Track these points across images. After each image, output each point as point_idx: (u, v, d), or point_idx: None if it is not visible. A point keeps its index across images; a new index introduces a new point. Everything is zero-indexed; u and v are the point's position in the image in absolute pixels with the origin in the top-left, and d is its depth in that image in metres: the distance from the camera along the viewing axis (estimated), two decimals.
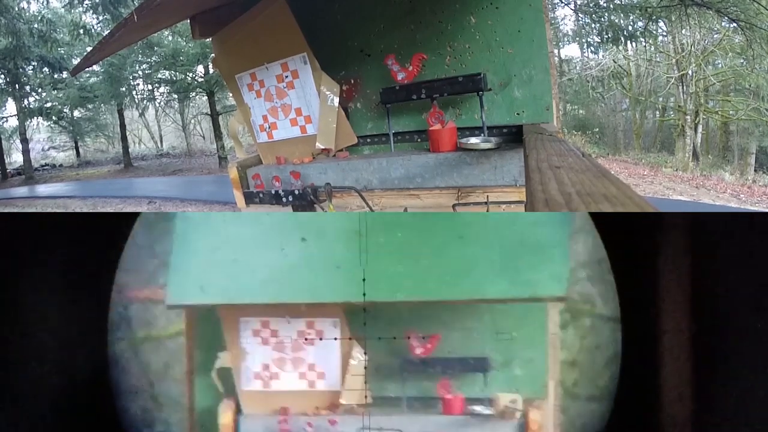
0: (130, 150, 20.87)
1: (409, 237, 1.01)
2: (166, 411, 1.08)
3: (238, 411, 1.09)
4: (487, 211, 2.16)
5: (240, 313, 1.08)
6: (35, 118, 18.94)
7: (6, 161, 19.72)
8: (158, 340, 1.09)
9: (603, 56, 15.39)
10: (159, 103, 21.38)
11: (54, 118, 19.07)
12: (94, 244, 1.03)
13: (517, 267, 1.00)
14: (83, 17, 15.05)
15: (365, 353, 1.08)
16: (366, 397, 1.08)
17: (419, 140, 2.68)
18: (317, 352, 1.10)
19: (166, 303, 1.05)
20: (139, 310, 1.07)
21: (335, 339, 1.09)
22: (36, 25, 15.20)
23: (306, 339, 1.09)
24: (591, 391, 1.04)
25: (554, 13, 13.50)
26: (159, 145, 25.00)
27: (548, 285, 1.01)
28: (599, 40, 12.51)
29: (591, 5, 11.90)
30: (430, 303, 1.03)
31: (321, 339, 1.09)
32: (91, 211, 10.13)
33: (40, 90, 18.20)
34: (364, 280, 1.01)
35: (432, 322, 1.08)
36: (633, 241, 0.99)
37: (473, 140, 2.28)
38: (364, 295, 1.02)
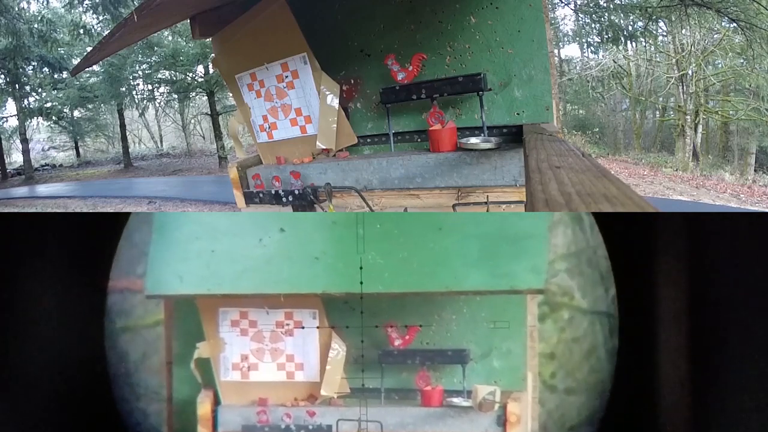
0: (130, 150, 20.87)
1: (387, 229, 1.01)
2: (144, 401, 1.08)
3: (216, 402, 1.08)
4: (487, 211, 2.16)
5: (219, 304, 1.08)
6: (35, 118, 18.95)
7: (6, 161, 19.72)
8: (136, 330, 1.08)
9: (603, 56, 15.39)
10: (159, 103, 21.39)
11: (54, 118, 19.07)
12: (92, 242, 1.03)
13: (495, 259, 1.00)
14: (83, 17, 15.04)
15: (344, 344, 1.08)
16: (345, 388, 1.08)
17: (419, 140, 2.68)
18: (296, 342, 1.09)
19: (145, 293, 1.05)
20: (117, 300, 1.07)
21: (314, 330, 1.08)
22: (36, 25, 15.18)
23: (284, 330, 1.09)
24: (569, 384, 1.04)
25: (554, 13, 13.50)
26: (159, 145, 25.00)
27: (526, 277, 1.00)
28: (599, 40, 12.49)
29: (591, 5, 11.89)
30: (408, 294, 1.03)
31: (299, 330, 1.09)
32: (91, 210, 10.14)
33: (40, 90, 18.20)
34: (342, 272, 1.01)
35: (411, 313, 1.07)
36: (633, 241, 0.99)
37: (473, 140, 2.28)
38: (342, 286, 1.02)
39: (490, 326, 1.06)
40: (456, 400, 1.07)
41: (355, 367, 1.07)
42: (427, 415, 1.05)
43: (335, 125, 2.78)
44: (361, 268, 1.00)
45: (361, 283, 1.00)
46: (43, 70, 17.44)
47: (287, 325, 1.09)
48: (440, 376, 1.08)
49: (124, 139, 20.04)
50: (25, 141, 18.12)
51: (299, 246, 1.01)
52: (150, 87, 19.25)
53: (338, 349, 1.08)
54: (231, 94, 3.34)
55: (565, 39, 15.27)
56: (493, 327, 1.05)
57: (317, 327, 1.08)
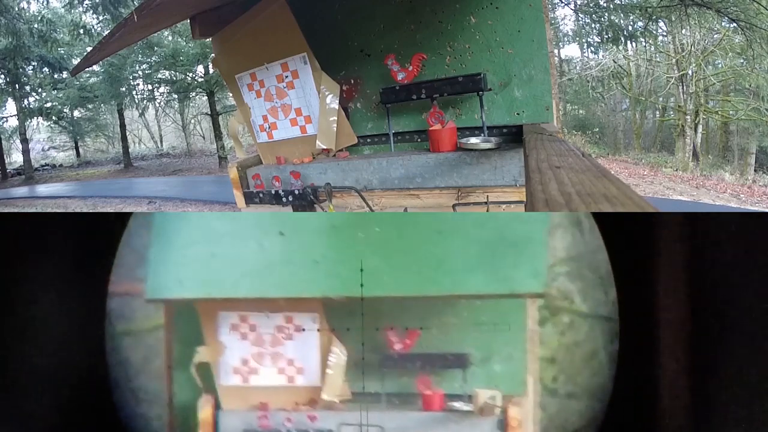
0: (130, 150, 20.87)
1: (387, 233, 1.01)
2: (144, 406, 1.08)
3: (217, 406, 1.08)
4: (487, 211, 2.16)
5: (219, 308, 1.08)
6: (35, 118, 18.95)
7: (6, 161, 19.73)
8: (137, 334, 1.09)
9: (603, 56, 15.40)
10: (159, 103, 21.39)
11: (54, 118, 19.07)
12: (92, 243, 1.03)
13: (495, 262, 1.00)
14: (83, 17, 15.04)
15: (344, 349, 1.08)
16: (345, 392, 1.08)
17: (419, 140, 2.68)
18: (296, 347, 1.09)
19: (145, 297, 1.05)
20: (118, 304, 1.07)
21: (314, 334, 1.09)
22: (36, 25, 15.19)
23: (285, 334, 1.09)
24: (570, 388, 1.04)
25: (554, 13, 13.50)
26: (159, 145, 25.01)
27: (526, 281, 1.00)
28: (599, 40, 12.50)
29: (591, 5, 11.90)
30: (408, 298, 1.02)
31: (300, 334, 1.09)
32: (91, 210, 10.14)
33: (40, 90, 18.20)
34: (343, 275, 1.01)
35: (411, 317, 1.07)
36: (633, 241, 0.99)
37: (473, 140, 2.28)
38: (342, 290, 1.02)
39: (490, 330, 1.06)
40: (457, 405, 1.06)
41: (356, 371, 1.07)
42: (427, 419, 1.05)
43: (335, 125, 2.78)
44: (361, 271, 1.00)
45: (362, 286, 1.00)
46: (43, 70, 17.45)
47: (287, 329, 1.09)
48: (441, 380, 1.08)
49: (124, 139, 20.05)
50: (25, 141, 18.13)
51: (299, 249, 1.01)
52: (150, 87, 19.26)
53: (339, 353, 1.08)
54: (231, 94, 3.34)
55: (565, 39, 15.28)
56: (494, 331, 1.05)
57: (318, 330, 1.08)
